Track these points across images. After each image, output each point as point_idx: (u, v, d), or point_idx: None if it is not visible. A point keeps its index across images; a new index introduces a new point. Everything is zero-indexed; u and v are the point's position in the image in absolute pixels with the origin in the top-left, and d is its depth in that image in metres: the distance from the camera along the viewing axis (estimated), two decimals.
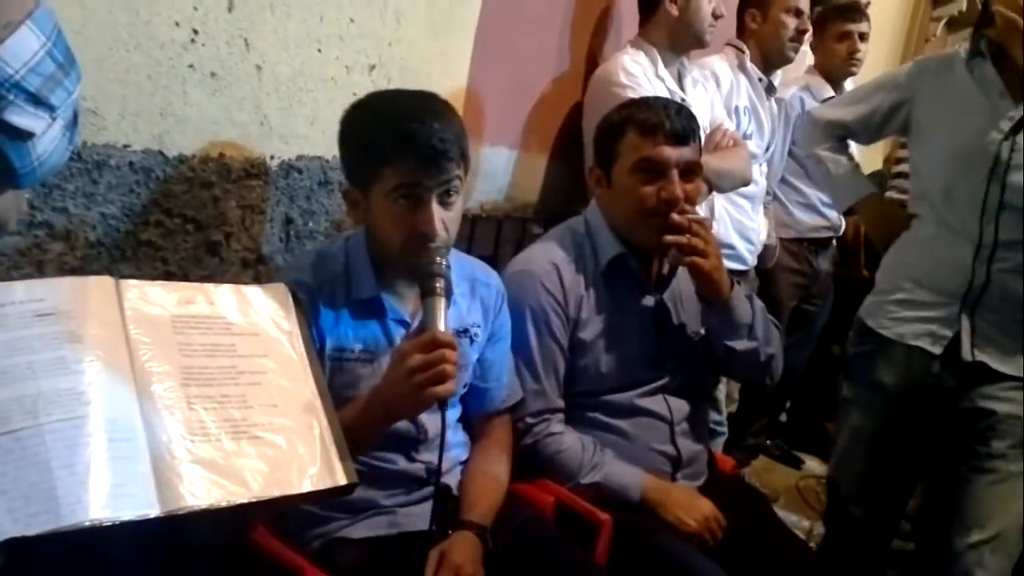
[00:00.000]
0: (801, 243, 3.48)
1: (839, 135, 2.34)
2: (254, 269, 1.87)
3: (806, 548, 2.03)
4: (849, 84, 3.43)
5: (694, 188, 1.87)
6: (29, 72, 0.98)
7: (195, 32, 1.61)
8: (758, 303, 1.99)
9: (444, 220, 1.48)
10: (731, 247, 2.89)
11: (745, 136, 2.88)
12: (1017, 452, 1.99)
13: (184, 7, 1.59)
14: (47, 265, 1.49)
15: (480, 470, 1.71)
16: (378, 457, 1.56)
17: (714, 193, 2.68)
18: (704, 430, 2.07)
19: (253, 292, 1.27)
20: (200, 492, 1.01)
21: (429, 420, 1.58)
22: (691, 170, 1.86)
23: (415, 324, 1.54)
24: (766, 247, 3.20)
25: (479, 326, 1.70)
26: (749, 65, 2.97)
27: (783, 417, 4.18)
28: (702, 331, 1.98)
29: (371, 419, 1.38)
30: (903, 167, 3.74)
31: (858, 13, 3.45)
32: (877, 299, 2.17)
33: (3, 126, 0.97)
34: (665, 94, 2.47)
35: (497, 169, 2.56)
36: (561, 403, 1.88)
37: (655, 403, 1.93)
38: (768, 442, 3.97)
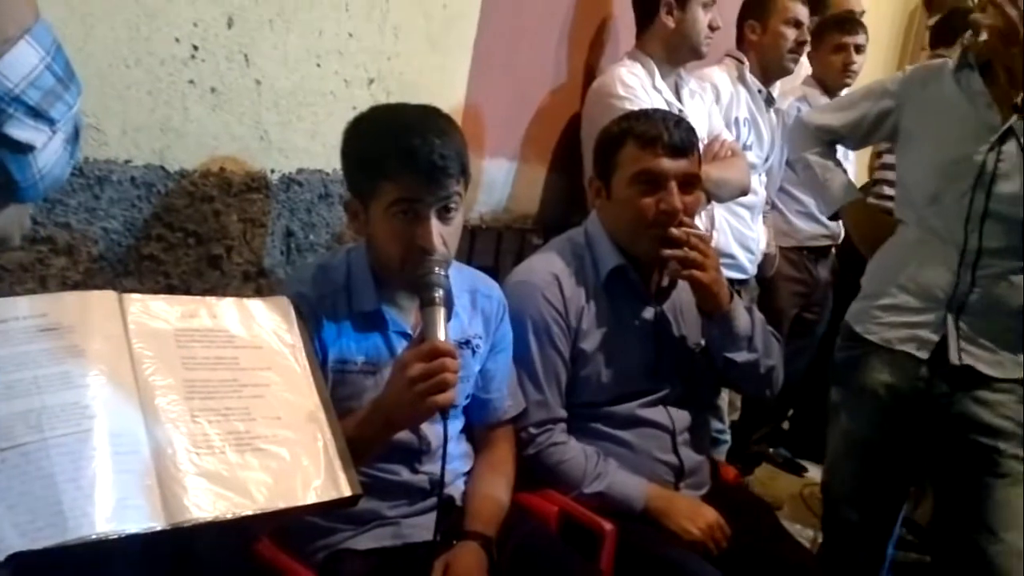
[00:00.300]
0: (800, 252, 3.48)
1: (827, 140, 2.36)
2: (255, 282, 1.87)
3: (810, 556, 2.02)
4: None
5: (693, 200, 1.88)
6: (29, 86, 0.99)
7: (195, 48, 1.62)
8: (758, 315, 2.00)
9: (443, 235, 1.48)
10: (731, 256, 2.89)
11: (744, 147, 2.89)
12: None
13: (184, 23, 1.60)
14: (50, 280, 1.49)
15: (484, 481, 1.71)
16: (381, 468, 1.56)
17: (714, 203, 2.69)
18: (706, 439, 2.07)
19: (255, 305, 1.28)
20: (205, 504, 1.01)
21: (431, 431, 1.59)
22: (690, 182, 1.86)
23: (416, 336, 1.55)
24: (766, 256, 3.21)
25: (481, 337, 1.71)
26: (748, 76, 2.98)
27: (785, 425, 4.18)
28: (702, 342, 1.98)
29: (373, 429, 1.38)
30: (883, 174, 3.76)
31: (854, 25, 3.47)
32: (863, 304, 2.19)
33: (3, 140, 0.98)
34: (662, 105, 2.48)
35: (496, 181, 2.57)
36: (563, 413, 1.88)
37: (656, 413, 1.93)
38: (771, 450, 3.97)
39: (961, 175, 2.00)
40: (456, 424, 1.71)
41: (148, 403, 1.06)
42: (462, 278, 1.70)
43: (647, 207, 1.84)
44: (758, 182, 2.99)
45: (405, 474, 1.60)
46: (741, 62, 3.00)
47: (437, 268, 1.42)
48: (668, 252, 1.83)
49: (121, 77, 1.52)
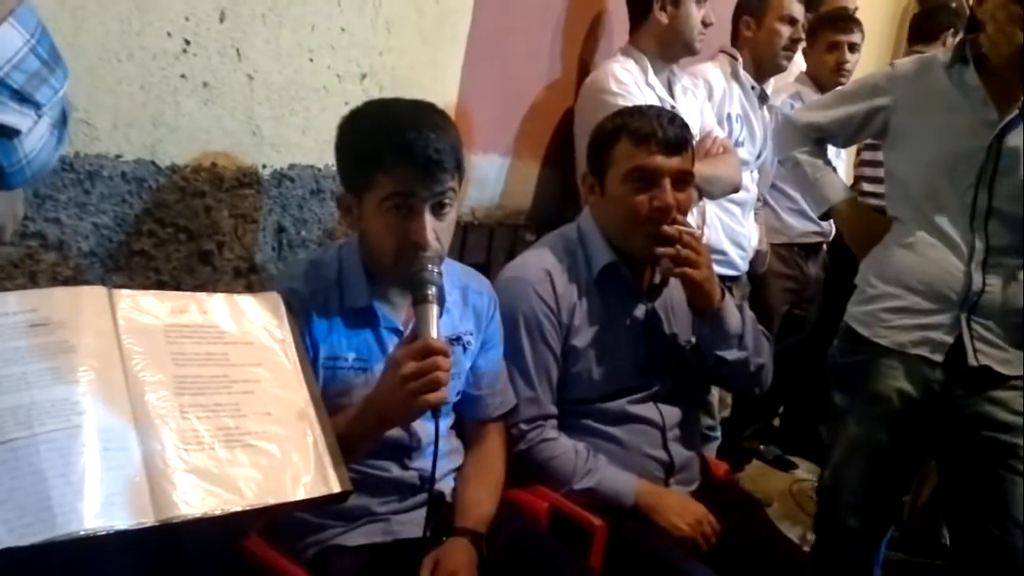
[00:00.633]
0: (792, 248, 3.49)
1: (816, 138, 2.33)
2: (247, 278, 1.87)
3: (800, 552, 2.03)
4: None
5: (686, 197, 1.88)
6: (13, 69, 0.98)
7: (187, 42, 1.62)
8: (749, 313, 2.00)
9: (436, 230, 1.48)
10: (723, 253, 2.90)
11: (737, 143, 2.90)
12: None
13: (176, 18, 1.59)
14: (40, 276, 1.49)
15: (474, 477, 1.71)
16: (372, 465, 1.57)
17: (705, 200, 2.69)
18: (696, 436, 2.08)
19: (246, 301, 1.28)
20: (194, 501, 1.01)
21: (422, 428, 1.59)
22: (683, 179, 1.87)
23: (408, 332, 1.55)
24: (757, 253, 3.21)
25: (472, 334, 1.71)
26: (742, 73, 2.99)
27: (776, 422, 4.19)
28: (693, 340, 1.99)
29: (364, 426, 1.38)
30: (862, 171, 3.76)
31: (849, 23, 3.46)
32: (868, 307, 2.14)
33: None
34: (655, 102, 2.49)
35: (489, 176, 2.57)
36: (554, 409, 1.89)
37: (647, 410, 1.94)
38: (761, 447, 3.98)
39: (960, 173, 1.99)
40: (446, 420, 1.71)
41: (138, 399, 1.06)
42: (453, 275, 1.70)
43: (640, 204, 1.84)
44: (750, 179, 2.99)
45: (395, 470, 1.60)
46: (735, 58, 3.00)
47: (430, 264, 1.42)
48: (661, 250, 1.83)
49: (112, 71, 1.52)
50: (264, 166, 1.86)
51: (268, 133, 1.84)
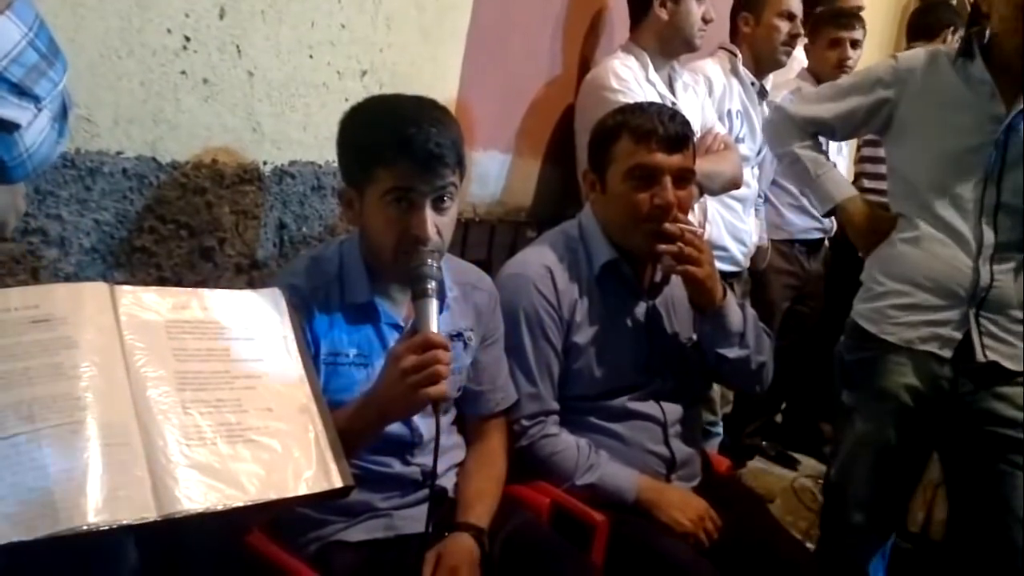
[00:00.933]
0: (792, 245, 3.49)
1: (814, 132, 2.29)
2: (248, 274, 1.87)
3: (802, 548, 2.02)
4: None
5: (687, 194, 1.88)
6: (11, 63, 0.98)
7: (187, 39, 1.62)
8: (750, 311, 2.00)
9: (437, 225, 1.48)
10: (724, 249, 2.90)
11: (737, 140, 2.90)
12: None
13: (176, 14, 1.59)
14: (42, 272, 1.49)
15: (476, 472, 1.72)
16: (374, 460, 1.57)
17: (706, 196, 2.69)
18: (698, 431, 2.08)
19: (247, 296, 1.28)
20: (196, 496, 1.01)
21: (423, 423, 1.59)
22: (684, 177, 1.86)
23: (408, 327, 1.55)
24: (758, 249, 3.21)
25: (472, 330, 1.71)
26: (741, 69, 2.99)
27: (778, 418, 4.19)
28: (694, 337, 1.99)
29: (365, 421, 1.38)
30: (863, 167, 3.75)
31: (851, 20, 3.44)
32: (876, 304, 2.13)
33: None
34: (656, 98, 2.49)
35: (490, 173, 2.57)
36: (556, 405, 1.89)
37: (648, 406, 1.94)
38: (763, 443, 3.98)
39: (968, 168, 1.98)
40: (448, 416, 1.72)
41: (139, 395, 1.06)
42: (454, 271, 1.70)
43: (641, 202, 1.84)
44: (750, 175, 2.99)
45: (397, 466, 1.60)
46: (734, 55, 3.01)
47: (430, 259, 1.42)
48: (663, 247, 1.82)
49: (113, 68, 1.52)
50: (265, 162, 1.86)
51: (269, 129, 1.84)
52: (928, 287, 2.04)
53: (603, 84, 2.50)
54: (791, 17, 2.96)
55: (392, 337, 1.56)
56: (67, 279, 1.51)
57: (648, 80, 2.60)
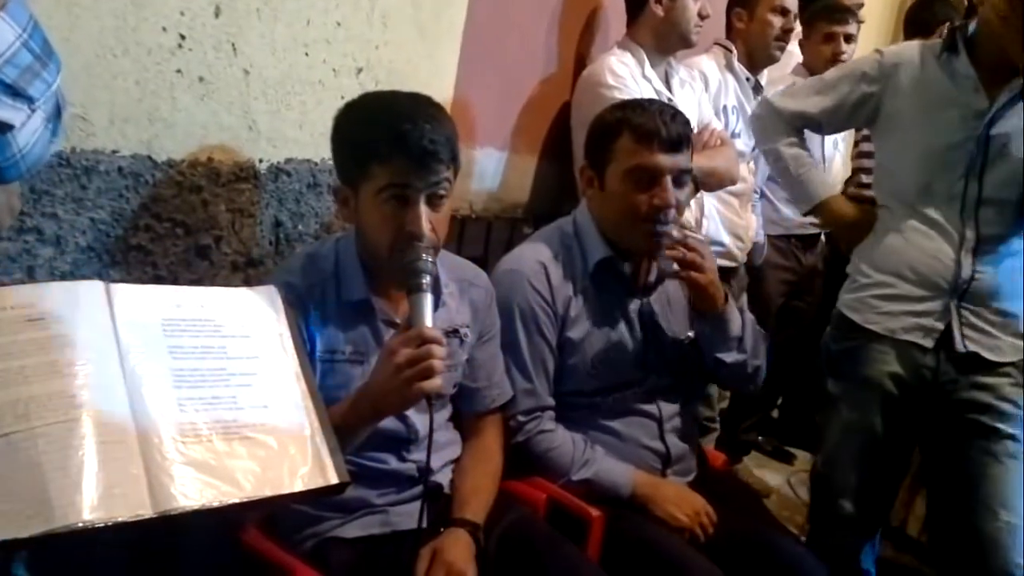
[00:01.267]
0: (789, 240, 3.49)
1: (801, 127, 2.31)
2: (244, 272, 1.88)
3: (798, 543, 2.03)
4: None
5: (684, 193, 1.89)
6: (5, 64, 0.98)
7: (182, 37, 1.62)
8: (748, 316, 2.01)
9: (432, 221, 1.49)
10: (721, 244, 2.91)
11: (733, 135, 2.90)
12: (1021, 431, 2.03)
13: (171, 13, 1.59)
14: (37, 270, 1.50)
15: (472, 468, 1.72)
16: (369, 457, 1.57)
17: (702, 191, 2.69)
18: (693, 427, 2.09)
19: (243, 294, 1.28)
20: (192, 493, 1.01)
21: (419, 419, 1.60)
22: (683, 176, 1.87)
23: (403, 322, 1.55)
24: (754, 244, 3.22)
25: (468, 326, 1.71)
26: (737, 64, 3.00)
27: (775, 413, 4.20)
28: (691, 334, 1.99)
29: (359, 416, 1.39)
30: (861, 163, 3.74)
31: (845, 14, 3.44)
32: (859, 294, 2.17)
33: None
34: (652, 95, 2.49)
35: (487, 170, 2.57)
36: (551, 401, 1.89)
37: (643, 401, 1.95)
38: (759, 438, 3.99)
39: (952, 162, 2.00)
40: (443, 412, 1.73)
41: (135, 392, 1.06)
42: (450, 267, 1.71)
43: (641, 202, 1.84)
44: (747, 170, 3.00)
45: (393, 462, 1.61)
46: (729, 50, 3.01)
47: (425, 255, 1.42)
48: (668, 253, 1.82)
49: (108, 67, 1.52)
50: (261, 160, 1.86)
51: (264, 128, 1.84)
52: (911, 278, 2.07)
53: (599, 80, 2.51)
54: (784, 12, 2.96)
55: (388, 334, 1.57)
56: (63, 277, 1.51)
57: (644, 76, 2.60)
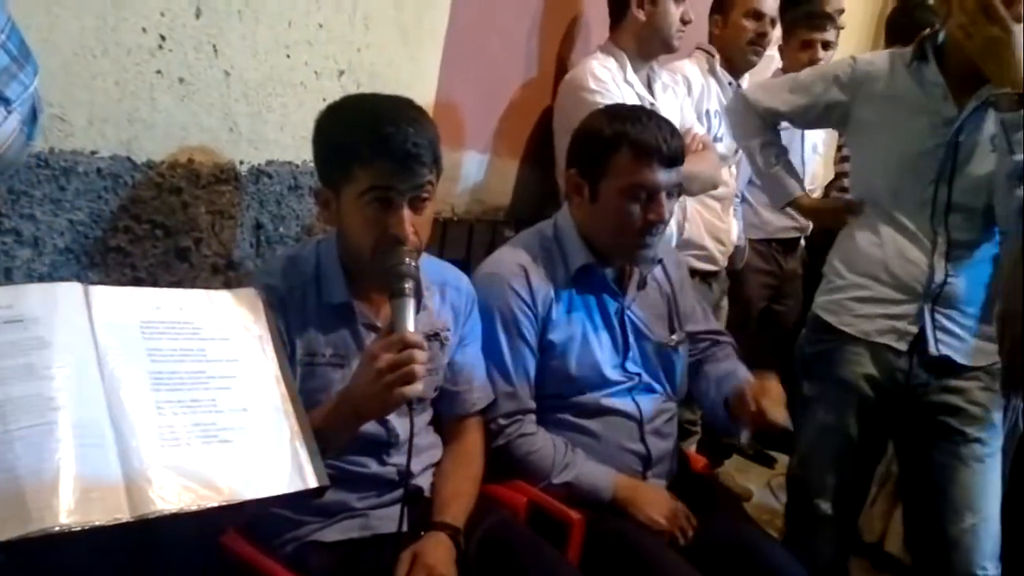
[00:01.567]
0: (770, 244, 3.51)
1: (774, 123, 2.38)
2: (224, 275, 1.87)
3: (778, 546, 2.04)
4: None
5: (674, 203, 1.91)
6: None
7: (162, 38, 1.61)
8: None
9: (414, 224, 1.49)
10: (703, 248, 2.92)
11: (715, 139, 2.92)
12: (989, 435, 2.07)
13: (151, 13, 1.58)
14: (15, 272, 1.48)
15: (452, 472, 1.72)
16: (350, 460, 1.57)
17: (685, 195, 2.70)
18: (674, 429, 2.09)
19: (222, 297, 1.28)
20: (170, 496, 1.01)
21: (399, 423, 1.59)
22: (676, 189, 1.90)
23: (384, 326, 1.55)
24: (736, 248, 3.23)
25: (449, 330, 1.71)
26: (719, 69, 3.01)
27: None
28: (675, 339, 2.01)
29: (340, 420, 1.38)
30: (843, 167, 3.76)
31: (823, 21, 3.45)
32: (834, 296, 2.21)
33: None
34: (634, 99, 2.50)
35: (468, 173, 2.57)
36: (532, 404, 1.89)
37: (624, 403, 1.95)
38: (741, 442, 3.99)
39: (922, 169, 2.04)
40: (424, 416, 1.72)
41: (113, 395, 1.06)
42: (432, 270, 1.70)
43: (636, 217, 1.84)
44: (728, 174, 3.01)
45: (374, 466, 1.60)
46: (712, 55, 3.02)
47: (408, 258, 1.42)
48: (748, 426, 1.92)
49: (87, 67, 1.51)
50: (241, 162, 1.85)
51: (245, 129, 1.83)
52: (887, 281, 2.11)
53: (581, 85, 2.51)
54: (758, 16, 2.98)
55: (369, 338, 1.56)
56: (41, 279, 1.50)
57: (626, 81, 2.61)
